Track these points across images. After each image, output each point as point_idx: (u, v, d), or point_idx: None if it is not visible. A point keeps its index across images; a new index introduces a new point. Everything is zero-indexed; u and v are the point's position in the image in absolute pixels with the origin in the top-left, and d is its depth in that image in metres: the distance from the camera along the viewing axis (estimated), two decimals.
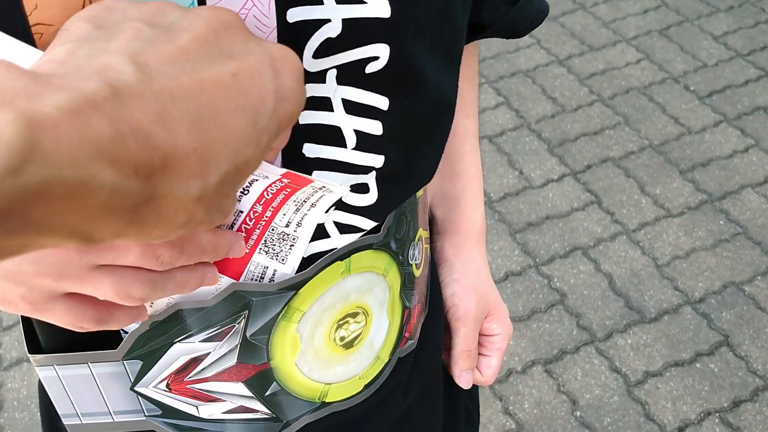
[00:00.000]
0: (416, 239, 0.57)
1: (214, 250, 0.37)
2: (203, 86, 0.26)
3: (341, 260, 0.48)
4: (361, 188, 0.47)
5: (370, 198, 0.48)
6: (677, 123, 2.31)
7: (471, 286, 0.67)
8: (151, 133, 0.24)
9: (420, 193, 0.56)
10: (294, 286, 0.46)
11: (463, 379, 0.67)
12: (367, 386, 0.55)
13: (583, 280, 1.89)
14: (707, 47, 2.59)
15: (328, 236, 0.48)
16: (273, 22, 0.38)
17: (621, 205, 2.07)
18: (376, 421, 0.59)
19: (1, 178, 0.19)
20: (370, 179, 0.47)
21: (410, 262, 0.56)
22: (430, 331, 0.63)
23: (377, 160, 0.47)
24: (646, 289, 1.86)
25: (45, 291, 0.35)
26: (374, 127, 0.45)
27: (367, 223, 0.49)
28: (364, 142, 0.45)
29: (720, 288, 1.85)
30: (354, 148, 0.45)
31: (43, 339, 0.51)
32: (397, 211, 0.52)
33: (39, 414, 0.63)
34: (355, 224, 0.48)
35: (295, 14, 0.39)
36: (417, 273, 0.58)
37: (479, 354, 0.70)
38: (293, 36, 0.39)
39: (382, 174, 0.48)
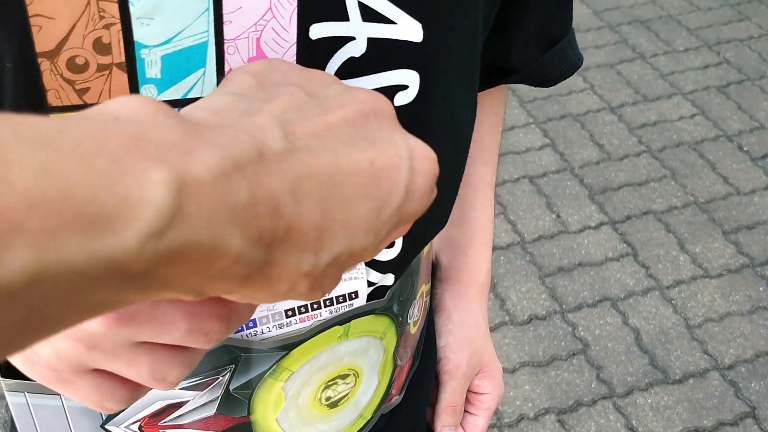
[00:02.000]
0: (417, 297, 0.55)
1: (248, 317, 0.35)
2: (340, 168, 0.26)
3: (340, 325, 0.46)
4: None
5: (393, 251, 0.46)
6: (726, 182, 2.24)
7: (466, 339, 0.64)
8: (281, 202, 0.23)
9: (427, 249, 0.54)
10: (286, 347, 0.45)
11: None
12: None
13: (608, 332, 1.84)
14: (766, 108, 2.52)
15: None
16: (293, 37, 0.36)
17: (657, 259, 2.01)
18: None
19: (145, 241, 0.19)
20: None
21: (408, 321, 0.54)
22: (418, 381, 0.61)
23: None
24: (674, 349, 1.79)
25: (73, 360, 0.31)
26: None
27: (376, 276, 0.47)
28: None
29: (752, 357, 1.77)
30: None
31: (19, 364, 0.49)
32: (406, 275, 0.50)
33: None
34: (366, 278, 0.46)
35: (318, 30, 0.36)
36: (413, 330, 0.56)
37: (466, 411, 0.67)
38: (314, 54, 0.37)
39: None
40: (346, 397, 0.50)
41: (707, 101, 2.56)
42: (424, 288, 0.57)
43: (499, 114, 0.68)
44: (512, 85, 2.56)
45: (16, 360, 0.32)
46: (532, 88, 2.59)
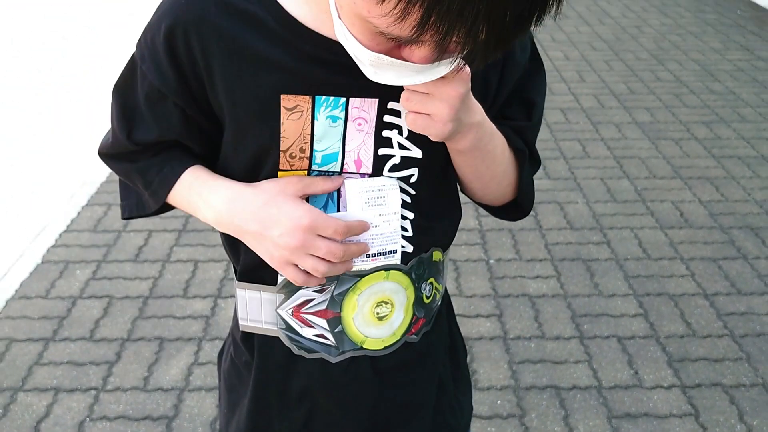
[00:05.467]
0: (428, 281, 1.00)
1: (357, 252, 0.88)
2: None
3: (385, 270, 0.93)
4: (403, 228, 0.93)
5: (408, 234, 0.93)
6: None
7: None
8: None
9: (437, 258, 1.00)
10: (359, 275, 0.92)
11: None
12: (386, 347, 0.98)
13: None
14: None
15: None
16: (371, 152, 0.86)
17: (716, 424, 2.30)
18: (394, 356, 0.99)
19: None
20: (408, 224, 0.93)
21: (422, 292, 0.98)
22: (433, 337, 1.05)
23: (411, 215, 0.93)
24: None
25: (283, 258, 0.84)
26: (409, 212, 0.92)
27: (404, 242, 0.91)
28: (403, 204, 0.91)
29: None
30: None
31: (242, 272, 0.99)
32: (419, 258, 0.96)
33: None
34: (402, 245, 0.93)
35: (381, 151, 0.87)
36: (426, 301, 1.01)
37: None
38: (379, 162, 0.86)
39: (413, 224, 0.92)
40: (387, 317, 0.95)
41: None
42: (434, 282, 0.99)
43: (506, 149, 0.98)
44: (618, 257, 2.99)
45: (264, 254, 0.90)
46: (640, 266, 2.96)
